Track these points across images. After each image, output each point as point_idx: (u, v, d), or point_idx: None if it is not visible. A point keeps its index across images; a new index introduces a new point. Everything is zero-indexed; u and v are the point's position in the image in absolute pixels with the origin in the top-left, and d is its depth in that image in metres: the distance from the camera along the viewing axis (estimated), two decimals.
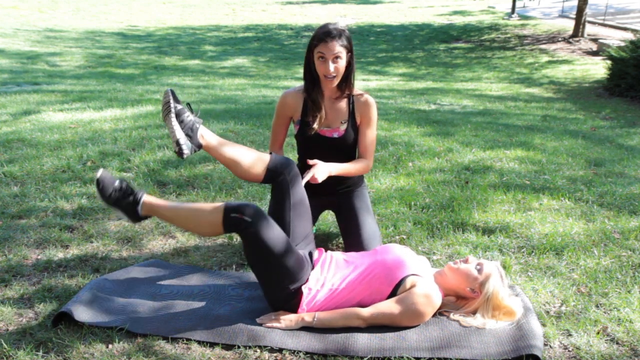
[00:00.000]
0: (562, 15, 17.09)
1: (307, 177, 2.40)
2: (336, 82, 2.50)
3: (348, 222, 2.70)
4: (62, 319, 2.09)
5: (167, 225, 2.98)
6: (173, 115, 2.18)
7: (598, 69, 11.12)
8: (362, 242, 2.59)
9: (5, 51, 11.30)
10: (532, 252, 2.75)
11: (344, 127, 2.61)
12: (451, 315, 2.18)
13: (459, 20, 18.07)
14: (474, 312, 2.17)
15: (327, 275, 2.22)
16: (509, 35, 15.11)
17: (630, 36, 11.80)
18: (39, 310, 2.19)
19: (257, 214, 2.06)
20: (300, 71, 11.65)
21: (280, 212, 2.31)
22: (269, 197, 2.96)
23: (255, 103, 6.71)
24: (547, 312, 2.25)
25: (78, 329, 2.06)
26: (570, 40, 13.72)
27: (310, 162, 2.46)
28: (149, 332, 2.05)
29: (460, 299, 2.24)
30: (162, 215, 2.21)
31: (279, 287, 2.13)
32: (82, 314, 2.09)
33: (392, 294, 2.15)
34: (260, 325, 2.11)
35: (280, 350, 1.99)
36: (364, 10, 20.86)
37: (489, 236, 2.90)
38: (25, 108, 5.53)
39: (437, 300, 2.14)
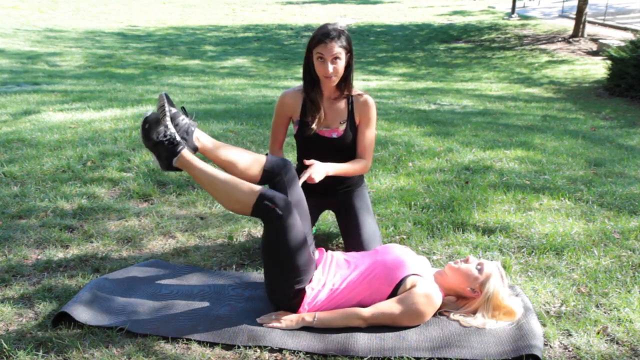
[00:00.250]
0: (562, 15, 17.09)
1: (304, 178, 2.39)
2: (336, 81, 2.50)
3: (348, 222, 2.70)
4: (62, 319, 2.09)
5: (167, 225, 2.98)
6: (168, 118, 2.19)
7: (598, 69, 11.12)
8: (362, 242, 2.59)
9: (5, 51, 11.30)
10: (532, 252, 2.75)
11: (342, 127, 2.61)
12: (451, 315, 2.18)
13: (459, 20, 18.07)
14: (474, 312, 2.17)
15: (328, 276, 2.23)
16: (509, 35, 15.11)
17: (630, 36, 11.80)
18: (39, 310, 2.19)
19: (288, 208, 2.08)
20: (300, 71, 11.60)
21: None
22: None
23: (255, 103, 6.72)
24: (547, 312, 2.25)
25: (78, 329, 2.06)
26: (570, 40, 13.72)
27: (307, 162, 2.45)
28: (149, 332, 2.05)
29: (461, 298, 2.24)
30: (194, 175, 2.18)
31: (285, 284, 2.13)
32: (82, 314, 2.09)
33: (393, 294, 2.15)
34: (261, 325, 2.11)
35: (280, 350, 1.99)
36: (364, 10, 20.86)
37: (489, 236, 2.90)
38: (25, 108, 5.53)
39: (438, 300, 2.14)
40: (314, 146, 2.62)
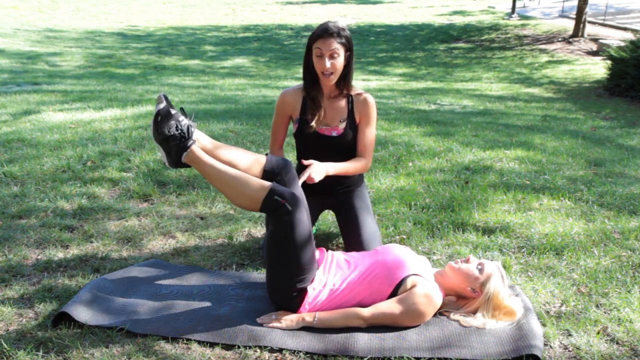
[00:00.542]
0: (562, 15, 17.09)
1: (304, 178, 2.39)
2: (333, 79, 2.50)
3: (348, 222, 2.70)
4: (62, 319, 2.09)
5: (167, 225, 2.98)
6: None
7: (598, 69, 11.12)
8: (362, 242, 2.59)
9: (5, 51, 11.30)
10: (532, 252, 2.75)
11: (342, 125, 2.61)
12: (451, 315, 2.18)
13: (459, 20, 18.07)
14: (474, 312, 2.17)
15: (328, 276, 2.23)
16: (509, 35, 15.11)
17: (630, 36, 11.80)
18: (39, 310, 2.19)
19: (298, 205, 2.08)
20: (300, 71, 11.60)
21: None
22: None
23: (255, 103, 6.72)
24: (547, 312, 2.25)
25: (78, 329, 2.06)
26: (571, 40, 13.72)
27: (305, 162, 2.44)
28: (149, 332, 2.05)
29: (461, 298, 2.24)
30: (202, 171, 2.17)
31: (288, 282, 2.13)
32: (82, 314, 2.09)
33: (393, 294, 2.15)
34: (261, 325, 2.11)
35: (280, 350, 1.99)
36: (364, 10, 20.86)
37: (489, 236, 2.90)
38: (25, 108, 5.53)
39: (438, 300, 2.14)
40: (313, 145, 2.62)
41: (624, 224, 3.05)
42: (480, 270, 2.17)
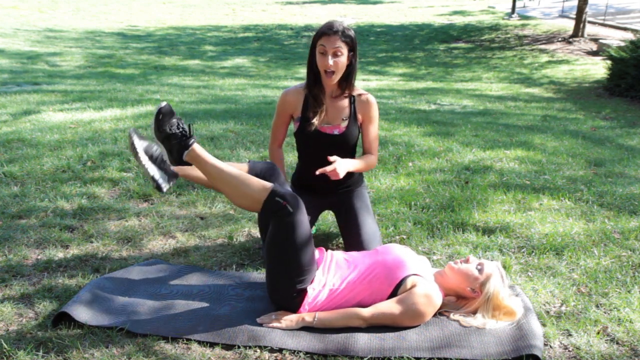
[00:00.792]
0: (562, 15, 17.10)
1: (327, 170, 2.37)
2: (336, 78, 2.50)
3: (348, 222, 2.70)
4: (62, 319, 2.09)
5: (167, 225, 2.98)
6: (141, 153, 2.18)
7: (598, 69, 11.12)
8: (362, 242, 2.59)
9: (5, 51, 11.30)
10: (532, 252, 2.75)
11: (344, 124, 2.61)
12: (451, 315, 2.18)
13: (459, 20, 18.07)
14: (474, 312, 2.17)
15: (328, 276, 2.23)
16: (509, 35, 15.11)
17: (630, 36, 11.80)
18: (39, 310, 2.19)
19: (299, 207, 2.08)
20: (300, 71, 11.69)
21: None
22: None
23: (255, 103, 6.72)
24: (547, 312, 2.25)
25: (78, 329, 2.06)
26: (571, 40, 13.72)
27: (331, 158, 2.43)
28: (149, 332, 2.05)
29: (461, 299, 2.24)
30: (204, 170, 2.17)
31: (288, 282, 2.12)
32: (82, 314, 2.09)
33: (393, 294, 2.15)
34: (261, 325, 2.11)
35: (280, 350, 1.99)
36: (364, 10, 20.86)
37: (489, 236, 2.90)
38: (25, 108, 5.53)
39: (438, 300, 2.14)
40: (314, 143, 2.62)
41: (624, 224, 3.05)
42: (480, 271, 2.18)
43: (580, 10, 13.28)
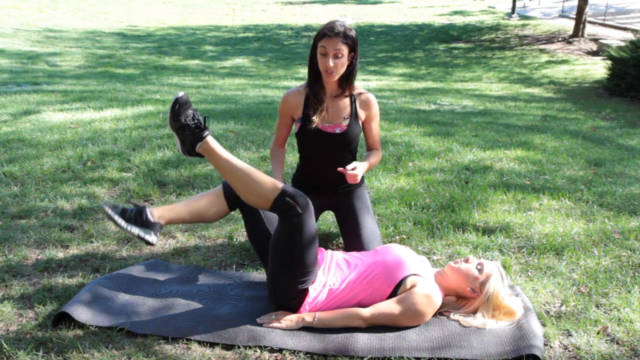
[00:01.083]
0: (562, 15, 17.10)
1: (349, 171, 2.43)
2: (335, 78, 2.51)
3: (348, 222, 2.70)
4: (62, 319, 2.09)
5: (167, 226, 2.98)
6: (119, 221, 2.20)
7: (598, 69, 11.12)
8: (362, 242, 2.59)
9: (5, 51, 11.31)
10: (532, 252, 2.75)
11: (346, 122, 2.62)
12: (451, 315, 2.18)
13: (459, 20, 18.07)
14: (474, 312, 2.17)
15: (328, 276, 2.23)
16: (509, 36, 15.11)
17: (630, 36, 11.80)
18: (39, 310, 2.19)
19: (308, 208, 2.08)
20: (300, 71, 11.69)
21: (260, 228, 2.31)
22: None
23: (255, 103, 6.72)
24: (547, 312, 2.25)
25: (78, 329, 2.06)
26: (571, 40, 13.73)
27: (350, 166, 2.49)
28: (149, 332, 2.05)
29: (461, 298, 2.24)
30: (216, 163, 2.17)
31: (290, 282, 2.12)
32: (82, 314, 2.09)
33: (393, 294, 2.15)
34: (261, 325, 2.11)
35: (280, 350, 1.99)
36: (364, 10, 20.87)
37: (489, 236, 2.90)
38: (25, 108, 5.53)
39: (438, 300, 2.14)
40: (316, 142, 2.63)
41: (624, 224, 3.05)
42: (480, 270, 2.17)
43: (580, 10, 13.28)
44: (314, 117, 2.57)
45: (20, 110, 5.44)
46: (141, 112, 5.46)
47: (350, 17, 19.33)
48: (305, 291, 2.14)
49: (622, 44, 10.44)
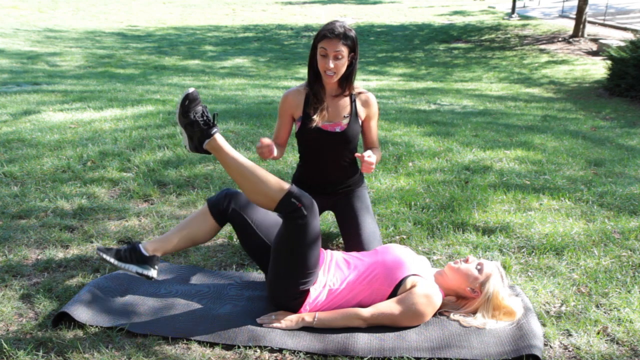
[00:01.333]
0: (562, 15, 17.10)
1: (366, 158, 2.39)
2: (335, 79, 2.51)
3: (348, 222, 2.70)
4: (62, 319, 2.09)
5: (167, 225, 2.98)
6: (116, 262, 2.21)
7: (598, 69, 11.12)
8: (362, 242, 2.59)
9: (5, 51, 11.31)
10: (532, 252, 2.75)
11: (346, 121, 2.62)
12: (451, 315, 2.18)
13: (459, 20, 18.07)
14: (474, 312, 2.17)
15: (328, 276, 2.23)
16: (509, 36, 15.11)
17: (630, 36, 11.80)
18: (39, 310, 2.19)
19: (312, 210, 2.08)
20: (300, 71, 11.68)
21: (253, 238, 2.29)
22: None
23: (255, 103, 6.71)
24: (547, 312, 2.25)
25: (78, 329, 2.06)
26: (571, 40, 13.73)
27: (366, 153, 2.44)
28: (149, 332, 2.05)
29: (461, 299, 2.24)
30: (223, 161, 2.17)
31: (292, 283, 2.12)
32: (82, 314, 2.09)
33: (393, 294, 2.15)
34: (261, 325, 2.11)
35: (280, 350, 1.99)
36: (364, 10, 20.87)
37: (489, 236, 2.90)
38: (25, 108, 5.53)
39: (438, 300, 2.14)
40: (316, 142, 2.63)
41: (624, 224, 3.05)
42: (480, 270, 2.17)
43: (580, 10, 13.28)
44: (315, 117, 2.57)
45: (20, 110, 5.44)
46: (141, 112, 5.46)
47: (350, 17, 19.33)
48: (307, 292, 2.14)
49: (622, 44, 10.44)
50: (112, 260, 2.21)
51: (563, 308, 2.28)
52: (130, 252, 2.23)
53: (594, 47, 13.01)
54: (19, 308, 2.20)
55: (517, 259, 2.69)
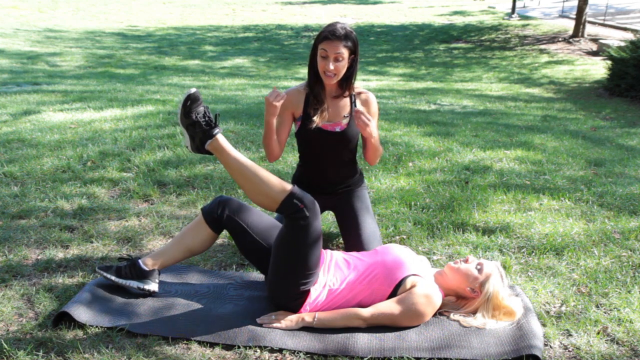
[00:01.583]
0: (562, 15, 17.10)
1: (358, 111, 2.37)
2: (335, 80, 2.51)
3: (348, 222, 2.70)
4: (62, 319, 2.09)
5: (167, 225, 2.98)
6: (117, 280, 2.26)
7: (598, 69, 11.12)
8: (362, 242, 2.59)
9: (5, 51, 11.31)
10: (532, 252, 2.75)
11: (346, 121, 2.62)
12: (451, 315, 2.18)
13: (459, 20, 18.07)
14: (474, 312, 2.17)
15: (328, 276, 2.23)
16: (509, 36, 15.11)
17: (630, 36, 11.80)
18: (39, 310, 2.19)
19: (314, 211, 2.08)
20: (300, 71, 11.68)
21: (250, 244, 2.28)
22: None
23: (255, 103, 6.72)
24: (547, 312, 2.25)
25: (78, 329, 2.06)
26: (571, 40, 13.72)
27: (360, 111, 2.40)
28: (149, 332, 2.05)
29: (461, 299, 2.24)
30: (225, 162, 2.16)
31: (293, 283, 2.12)
32: (82, 314, 2.09)
33: (392, 294, 2.15)
34: (261, 325, 2.11)
35: (280, 350, 1.99)
36: (364, 10, 20.86)
37: (489, 236, 2.90)
38: (25, 108, 5.53)
39: (438, 300, 2.14)
40: (316, 141, 2.63)
41: (624, 224, 3.05)
42: (480, 270, 2.17)
43: (580, 10, 13.28)
44: (315, 117, 2.57)
45: (20, 110, 5.44)
46: (141, 112, 5.46)
47: (350, 17, 19.33)
48: (307, 292, 2.14)
49: (622, 44, 10.44)
50: (113, 277, 2.26)
51: (563, 308, 2.28)
52: (130, 268, 2.27)
53: (594, 47, 13.01)
54: (19, 308, 2.20)
55: (517, 259, 2.69)
